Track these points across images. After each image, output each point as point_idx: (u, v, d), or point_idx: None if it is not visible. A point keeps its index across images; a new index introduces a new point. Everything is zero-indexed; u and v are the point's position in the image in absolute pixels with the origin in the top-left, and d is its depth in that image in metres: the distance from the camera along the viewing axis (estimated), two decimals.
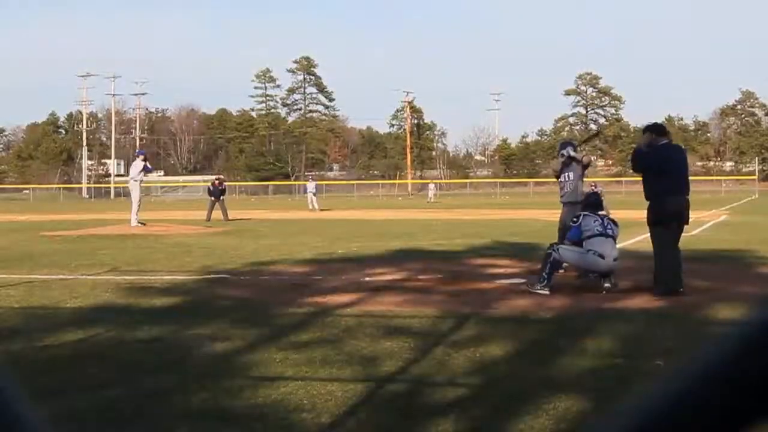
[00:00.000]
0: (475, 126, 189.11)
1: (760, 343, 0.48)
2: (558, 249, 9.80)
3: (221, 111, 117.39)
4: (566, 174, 11.87)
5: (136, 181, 23.81)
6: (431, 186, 65.50)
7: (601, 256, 9.62)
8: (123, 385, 5.56)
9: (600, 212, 10.20)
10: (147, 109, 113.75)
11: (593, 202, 10.48)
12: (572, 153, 11.74)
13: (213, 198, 31.05)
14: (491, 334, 7.22)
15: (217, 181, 31.56)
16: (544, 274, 9.65)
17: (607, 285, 9.64)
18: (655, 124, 10.14)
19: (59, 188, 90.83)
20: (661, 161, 9.52)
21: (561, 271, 10.14)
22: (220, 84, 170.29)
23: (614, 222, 10.11)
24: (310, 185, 44.76)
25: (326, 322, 7.94)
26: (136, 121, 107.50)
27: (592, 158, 11.78)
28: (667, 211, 9.43)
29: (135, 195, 23.71)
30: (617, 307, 8.75)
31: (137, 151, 25.79)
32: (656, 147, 9.63)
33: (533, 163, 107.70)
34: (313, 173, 42.02)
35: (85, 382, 5.63)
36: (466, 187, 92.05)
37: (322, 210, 39.98)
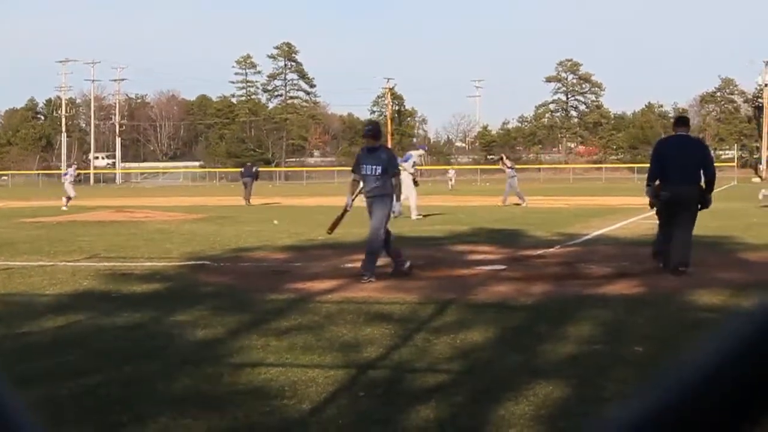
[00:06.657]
0: (456, 113, 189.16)
1: (763, 339, 0.48)
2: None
3: (201, 97, 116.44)
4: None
5: (407, 172, 21.53)
6: (451, 172, 63.66)
7: None
8: (104, 372, 5.55)
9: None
10: (126, 95, 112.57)
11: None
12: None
13: (247, 179, 32.47)
14: (472, 321, 7.25)
15: (249, 164, 34.99)
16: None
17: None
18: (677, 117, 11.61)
19: (38, 174, 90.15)
20: (656, 156, 10.30)
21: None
22: (201, 70, 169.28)
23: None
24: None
25: (307, 309, 7.95)
26: (115, 106, 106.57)
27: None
28: (662, 198, 10.06)
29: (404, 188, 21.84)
30: (597, 293, 8.81)
31: (420, 145, 24.88)
32: (659, 141, 10.93)
33: (514, 150, 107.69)
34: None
35: (65, 369, 5.61)
36: (446, 173, 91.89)
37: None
